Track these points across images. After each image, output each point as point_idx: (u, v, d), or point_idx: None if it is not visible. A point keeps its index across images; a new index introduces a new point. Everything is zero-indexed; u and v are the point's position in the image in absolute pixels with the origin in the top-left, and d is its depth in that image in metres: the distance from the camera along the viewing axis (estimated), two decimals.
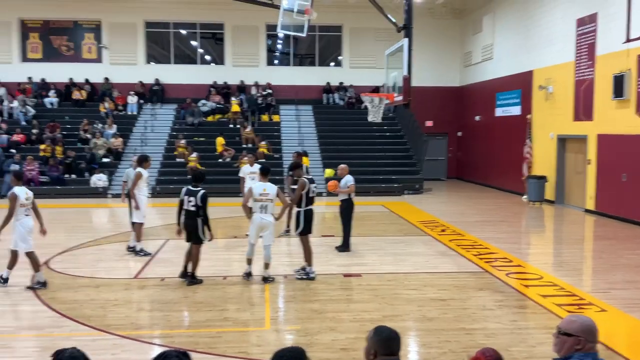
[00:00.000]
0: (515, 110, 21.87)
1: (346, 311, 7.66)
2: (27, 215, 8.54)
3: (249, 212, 9.07)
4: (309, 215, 9.28)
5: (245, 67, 27.09)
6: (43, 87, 26.03)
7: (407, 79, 11.15)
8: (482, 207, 18.67)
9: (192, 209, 8.72)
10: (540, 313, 7.62)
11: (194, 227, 8.77)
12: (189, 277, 8.85)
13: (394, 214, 16.70)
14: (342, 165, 11.54)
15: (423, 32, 24.43)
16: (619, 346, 6.40)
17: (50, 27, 26.61)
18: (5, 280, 8.60)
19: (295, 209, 9.54)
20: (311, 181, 9.51)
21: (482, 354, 2.85)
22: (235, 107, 24.90)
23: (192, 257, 8.87)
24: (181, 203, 8.87)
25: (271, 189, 8.90)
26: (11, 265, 8.61)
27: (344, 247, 11.31)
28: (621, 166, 15.43)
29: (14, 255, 8.59)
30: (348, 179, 11.18)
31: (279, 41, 28.23)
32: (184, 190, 8.89)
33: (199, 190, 8.76)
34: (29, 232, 8.56)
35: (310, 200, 9.36)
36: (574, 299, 8.20)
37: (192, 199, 8.72)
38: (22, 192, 8.50)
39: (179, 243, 9.83)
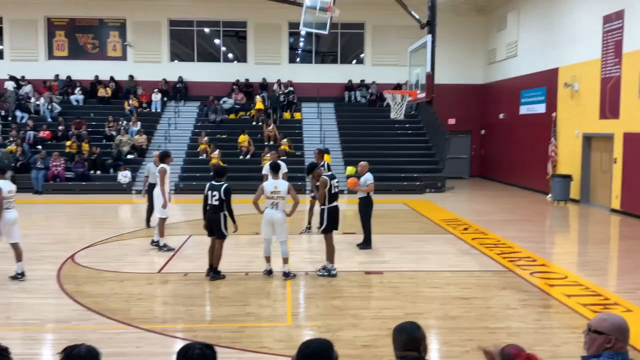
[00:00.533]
0: (540, 108, 21.61)
1: (367, 308, 7.66)
2: (8, 208, 8.62)
3: (260, 209, 9.09)
4: (332, 213, 9.26)
5: (268, 64, 27.18)
6: (69, 85, 26.43)
7: (430, 76, 11.11)
8: (505, 206, 18.49)
9: (216, 203, 8.81)
10: (564, 313, 7.53)
11: (216, 222, 8.86)
12: (212, 272, 8.93)
13: (415, 212, 16.63)
14: (363, 163, 11.40)
15: (446, 29, 24.26)
16: None
17: (76, 25, 27.00)
18: (22, 275, 8.75)
19: (319, 207, 9.54)
20: (332, 177, 9.48)
21: (517, 350, 2.82)
22: (259, 105, 25.01)
23: (215, 252, 8.95)
24: (206, 198, 8.95)
25: (282, 186, 8.92)
26: (18, 258, 8.75)
27: (366, 244, 11.27)
28: None
29: (14, 247, 8.70)
30: (368, 177, 11.10)
31: (301, 39, 28.25)
32: (207, 185, 8.99)
33: (222, 185, 8.87)
34: (11, 224, 8.64)
35: (333, 197, 9.34)
36: (599, 299, 8.09)
37: (215, 193, 8.81)
38: (6, 186, 8.60)
39: (202, 239, 9.90)
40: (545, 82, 21.07)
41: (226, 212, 8.86)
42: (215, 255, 8.97)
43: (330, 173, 9.75)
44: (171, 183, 14.70)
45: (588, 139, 18.50)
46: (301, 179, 19.39)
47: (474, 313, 7.42)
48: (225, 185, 8.88)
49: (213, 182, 8.96)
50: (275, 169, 9.22)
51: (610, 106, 16.86)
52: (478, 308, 7.64)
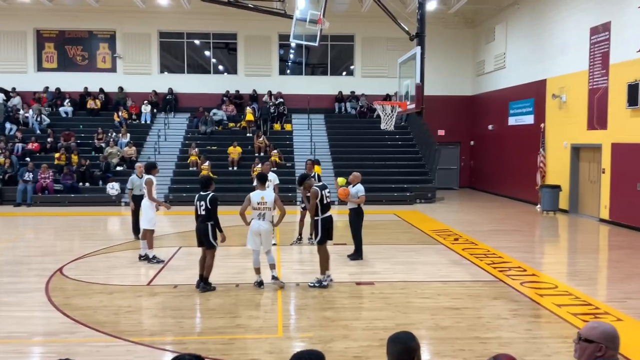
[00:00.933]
0: (529, 119, 21.77)
1: (359, 319, 7.63)
2: None
3: (247, 220, 9.07)
4: (326, 223, 9.21)
5: (258, 76, 27.26)
6: (58, 96, 26.33)
7: (419, 87, 11.16)
8: (495, 217, 18.56)
9: (203, 213, 8.84)
10: (555, 322, 7.54)
11: (204, 232, 8.86)
12: (203, 283, 8.88)
13: (406, 223, 16.64)
14: (355, 173, 11.40)
15: (435, 42, 24.51)
16: (636, 356, 6.31)
17: (65, 37, 26.97)
18: None
19: (309, 218, 9.53)
20: (323, 188, 9.45)
21: (510, 359, 2.81)
22: (249, 116, 25.03)
23: (206, 262, 8.92)
24: (196, 209, 8.96)
25: (269, 197, 8.93)
26: None
27: (356, 255, 11.25)
28: (636, 175, 15.28)
29: None
30: (359, 189, 11.08)
31: (292, 51, 28.38)
32: (196, 197, 8.99)
33: (208, 194, 8.87)
34: None
35: (325, 208, 9.29)
36: (590, 308, 8.11)
37: (202, 203, 8.85)
38: None
39: (192, 250, 9.87)
40: (533, 94, 21.25)
41: (213, 222, 8.84)
42: (206, 265, 8.94)
43: (321, 184, 9.71)
44: (160, 195, 14.67)
45: (576, 150, 18.65)
46: (292, 190, 19.39)
47: (465, 323, 7.41)
48: (212, 194, 8.91)
49: (201, 193, 8.97)
50: (262, 179, 9.22)
51: (598, 117, 17.01)
52: (469, 318, 7.63)
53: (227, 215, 13.75)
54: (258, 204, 8.84)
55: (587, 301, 8.49)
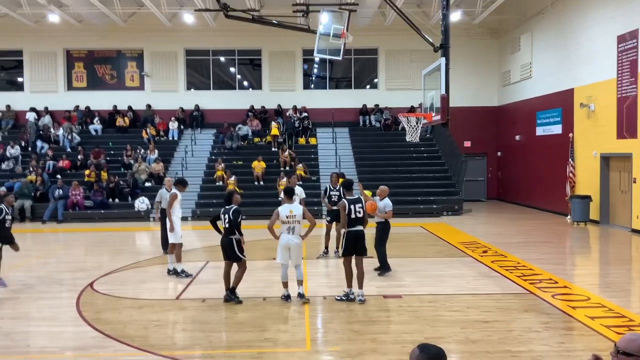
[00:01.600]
0: (557, 129, 21.50)
1: (387, 332, 7.56)
2: None
3: (275, 234, 9.09)
4: (350, 237, 9.06)
5: (283, 91, 27.47)
6: (88, 115, 26.87)
7: (444, 98, 11.12)
8: (524, 228, 18.29)
9: (227, 226, 8.90)
10: (588, 335, 7.37)
11: (230, 246, 8.92)
12: (229, 292, 8.95)
13: (433, 235, 16.50)
14: (383, 187, 11.18)
15: (460, 53, 24.43)
16: None
17: (94, 57, 27.57)
18: None
19: (335, 230, 9.50)
20: (355, 202, 9.17)
21: None
22: (274, 131, 25.22)
23: (237, 273, 9.04)
24: (215, 219, 9.20)
25: (297, 210, 8.91)
26: None
27: (384, 268, 11.14)
28: None
29: None
30: (387, 203, 10.88)
31: (315, 65, 28.55)
32: (221, 210, 9.11)
33: (232, 207, 8.94)
34: None
35: (353, 222, 9.07)
36: (624, 320, 7.92)
37: (226, 216, 8.90)
38: None
39: (219, 264, 9.89)
40: (561, 103, 21.00)
41: (238, 236, 8.88)
42: (236, 275, 9.00)
43: (355, 197, 9.38)
44: (187, 210, 14.81)
45: (606, 159, 18.33)
46: (317, 203, 19.39)
47: (496, 336, 7.30)
48: (235, 207, 8.99)
49: (226, 207, 9.03)
50: (289, 193, 9.22)
51: (627, 126, 16.72)
52: (500, 331, 7.51)
53: (253, 229, 13.82)
54: (287, 217, 8.86)
55: (621, 313, 8.29)
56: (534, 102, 23.44)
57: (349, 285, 9.16)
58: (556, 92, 21.39)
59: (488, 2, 22.82)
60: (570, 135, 19.97)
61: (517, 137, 25.22)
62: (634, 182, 16.49)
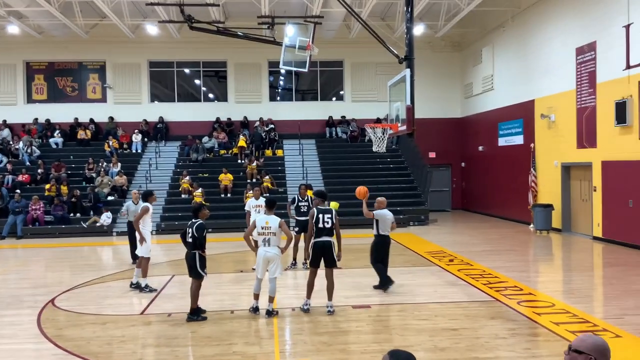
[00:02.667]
0: (518, 140, 21.93)
1: (356, 343, 7.53)
2: None
3: (252, 244, 8.99)
4: (316, 248, 8.95)
5: (249, 103, 27.41)
6: (48, 128, 26.30)
7: (410, 109, 11.21)
8: (489, 237, 18.55)
9: (190, 240, 8.69)
10: (553, 340, 7.48)
11: (192, 261, 8.70)
12: (189, 313, 8.72)
13: (400, 245, 16.59)
14: (380, 199, 10.85)
15: (424, 65, 24.76)
16: None
17: (55, 69, 27.08)
18: None
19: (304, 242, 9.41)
20: (324, 212, 9.05)
21: None
22: (242, 142, 25.11)
23: (192, 292, 8.73)
24: (183, 234, 8.87)
25: (274, 222, 8.81)
26: None
27: (384, 283, 10.45)
28: (627, 192, 15.37)
29: None
30: (377, 212, 10.60)
31: (281, 77, 28.59)
32: (189, 223, 8.92)
33: (196, 222, 8.75)
34: None
35: (320, 232, 8.96)
36: (588, 326, 8.06)
37: (190, 230, 8.71)
38: None
39: (185, 279, 9.74)
40: (522, 114, 21.45)
41: (200, 252, 8.70)
42: (192, 296, 8.74)
43: (325, 208, 9.24)
44: (153, 223, 14.60)
45: (567, 169, 18.76)
46: (284, 215, 19.30)
47: (464, 344, 7.34)
48: (199, 222, 8.74)
49: (192, 220, 8.86)
50: (270, 205, 9.10)
51: (587, 135, 17.16)
52: (467, 339, 7.56)
53: (220, 242, 13.68)
54: (262, 228, 8.74)
55: (585, 319, 8.44)
56: (496, 114, 23.89)
57: (308, 296, 9.09)
58: (517, 103, 21.85)
59: (450, 16, 23.25)
60: (532, 145, 20.39)
61: (480, 148, 25.66)
62: (594, 190, 16.90)
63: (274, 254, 8.77)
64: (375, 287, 10.59)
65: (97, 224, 20.47)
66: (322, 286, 9.10)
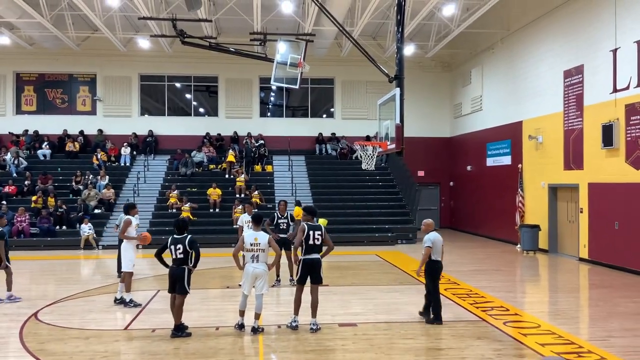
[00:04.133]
0: (506, 160, 22.09)
1: None
2: None
3: (239, 263, 8.93)
4: (306, 265, 8.90)
5: (239, 118, 27.45)
6: (36, 139, 26.13)
7: (399, 127, 11.28)
8: (476, 257, 18.58)
9: (181, 256, 8.58)
10: None
11: (180, 277, 8.60)
12: (173, 330, 8.63)
13: (387, 263, 16.58)
14: (428, 221, 10.06)
15: (414, 85, 25.03)
16: None
17: (45, 80, 27.00)
18: None
19: (286, 259, 9.35)
20: (314, 228, 8.99)
21: None
22: (230, 157, 25.10)
23: (176, 308, 8.64)
24: (160, 251, 8.71)
25: (262, 238, 8.78)
26: None
27: (434, 318, 9.42)
28: (613, 214, 15.50)
29: None
30: (425, 238, 9.75)
31: (272, 93, 28.70)
32: (170, 240, 8.69)
33: (186, 237, 8.65)
34: None
35: (310, 249, 8.92)
36: (573, 347, 8.07)
37: (179, 246, 8.56)
38: None
39: (168, 294, 9.64)
40: (510, 135, 21.63)
41: (190, 267, 8.64)
42: (176, 311, 8.66)
43: (315, 224, 9.18)
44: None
45: (554, 190, 18.90)
46: (272, 219, 19.28)
47: None
48: (190, 236, 8.66)
49: (175, 236, 8.70)
50: (257, 221, 9.07)
51: (574, 157, 17.32)
52: (453, 358, 7.55)
53: (208, 257, 13.49)
54: (251, 244, 8.69)
55: (570, 340, 8.46)
56: (485, 134, 24.08)
57: (296, 312, 9.05)
58: (506, 124, 22.05)
59: (440, 37, 23.50)
60: (519, 166, 20.55)
61: (469, 168, 25.81)
62: (581, 212, 17.02)
63: (262, 270, 8.73)
64: (427, 321, 9.46)
65: (85, 238, 20.15)
66: (305, 303, 9.05)
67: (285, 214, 12.86)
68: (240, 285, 9.39)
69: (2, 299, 11.25)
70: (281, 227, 12.82)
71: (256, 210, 19.92)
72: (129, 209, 11.16)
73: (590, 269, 15.77)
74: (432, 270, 9.59)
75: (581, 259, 16.96)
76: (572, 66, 17.39)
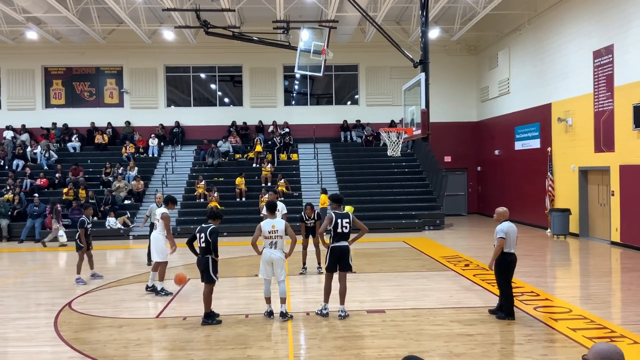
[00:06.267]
0: (535, 144, 21.76)
1: (371, 347, 7.50)
2: None
3: (259, 250, 9.00)
4: (335, 252, 8.91)
5: (264, 107, 27.51)
6: (66, 132, 26.59)
7: (425, 113, 11.18)
8: None
9: (203, 245, 8.75)
10: (570, 347, 7.39)
11: (205, 265, 8.76)
12: (203, 317, 8.78)
13: (415, 250, 16.52)
14: (502, 210, 9.30)
15: (439, 69, 24.76)
16: None
17: (72, 74, 27.38)
18: None
19: (320, 239, 9.40)
20: (342, 216, 8.99)
21: None
22: (258, 147, 25.23)
23: (204, 296, 8.79)
24: (191, 240, 8.94)
25: (279, 225, 8.84)
26: None
27: (507, 313, 8.78)
28: None
29: None
30: (498, 228, 9.03)
31: (296, 81, 28.67)
32: (197, 228, 8.95)
33: (209, 226, 8.80)
34: None
35: (339, 237, 8.94)
36: (605, 332, 7.96)
37: (202, 235, 8.74)
38: None
39: (200, 282, 9.78)
40: (539, 118, 21.28)
41: (213, 256, 8.76)
42: (204, 300, 8.80)
43: (343, 212, 9.15)
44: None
45: (584, 173, 18.57)
46: (300, 219, 19.35)
47: (479, 350, 7.28)
48: (212, 227, 8.80)
49: (203, 225, 8.90)
50: (271, 208, 9.13)
51: (604, 139, 16.98)
52: (483, 344, 7.50)
53: (235, 246, 13.63)
54: (269, 232, 8.78)
55: (602, 324, 8.34)
56: (513, 117, 23.73)
57: (326, 300, 9.09)
58: (534, 107, 21.69)
59: (466, 20, 23.16)
60: (549, 149, 20.22)
61: (497, 152, 25.49)
62: (612, 195, 16.71)
63: (278, 257, 8.80)
64: (498, 316, 8.83)
65: (58, 240, 19.50)
66: (334, 290, 9.09)
67: (313, 215, 12.85)
68: (256, 275, 9.46)
69: (83, 280, 12.26)
70: (308, 226, 12.83)
71: (282, 198, 20.04)
72: (169, 202, 11.05)
73: (622, 253, 15.49)
74: (504, 263, 8.84)
75: (613, 243, 16.67)
76: (601, 46, 16.99)
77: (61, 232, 19.38)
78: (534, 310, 9.26)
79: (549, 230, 19.27)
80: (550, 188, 19.93)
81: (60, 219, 19.84)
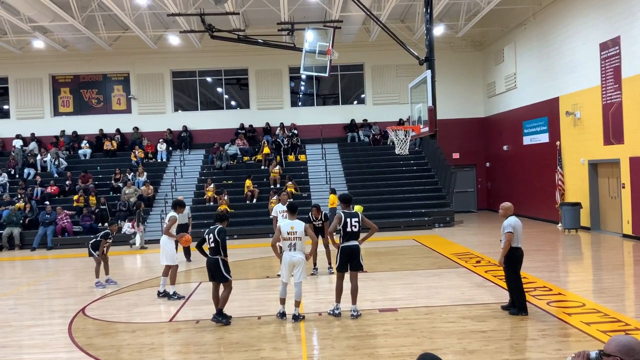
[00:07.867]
0: (544, 138, 21.66)
1: (384, 346, 7.50)
2: None
3: (279, 252, 9.02)
4: (345, 252, 8.93)
5: (270, 109, 27.55)
6: (75, 140, 26.75)
7: (431, 110, 11.16)
8: None
9: (212, 245, 8.82)
10: (585, 341, 7.35)
11: (215, 266, 8.82)
12: (216, 314, 8.87)
13: (426, 247, 16.49)
14: (507, 204, 9.22)
15: (445, 66, 24.70)
16: None
17: (80, 81, 27.56)
18: None
19: (329, 238, 9.42)
20: (351, 215, 8.99)
21: None
22: (266, 149, 25.28)
23: (222, 294, 8.90)
24: (201, 243, 9.06)
25: (299, 226, 8.83)
26: None
27: (516, 308, 8.77)
28: None
29: None
30: (505, 223, 9.04)
31: (302, 82, 28.69)
32: (205, 230, 9.05)
33: (216, 227, 8.88)
34: None
35: (349, 236, 8.94)
36: (620, 325, 7.91)
37: (211, 236, 8.83)
38: None
39: (211, 286, 9.81)
40: (547, 112, 21.18)
41: (222, 257, 8.80)
42: (221, 297, 8.88)
43: (352, 212, 9.15)
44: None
45: (594, 166, 18.46)
46: (307, 220, 19.38)
47: (493, 346, 7.26)
48: (220, 227, 8.89)
49: (211, 227, 9.00)
50: (292, 209, 9.14)
51: (614, 132, 16.88)
52: (496, 341, 7.48)
53: (246, 248, 13.64)
54: (288, 233, 8.78)
55: (617, 318, 8.29)
56: (520, 112, 23.64)
57: (338, 300, 9.10)
58: (541, 101, 21.59)
59: (470, 15, 23.10)
60: (558, 143, 20.12)
61: (505, 147, 25.39)
62: (623, 187, 16.61)
63: (299, 259, 8.80)
64: (511, 312, 8.79)
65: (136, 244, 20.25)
66: (345, 290, 9.10)
67: (320, 216, 12.85)
68: (279, 275, 9.48)
69: (102, 283, 12.61)
70: (316, 227, 12.83)
71: (291, 200, 20.05)
72: (177, 205, 11.27)
73: (635, 245, 15.39)
74: (514, 258, 8.84)
75: (625, 236, 16.56)
76: (608, 38, 16.89)
77: (138, 237, 19.65)
78: (547, 305, 9.22)
79: (560, 224, 19.18)
80: (560, 182, 19.83)
81: (140, 223, 20.25)
